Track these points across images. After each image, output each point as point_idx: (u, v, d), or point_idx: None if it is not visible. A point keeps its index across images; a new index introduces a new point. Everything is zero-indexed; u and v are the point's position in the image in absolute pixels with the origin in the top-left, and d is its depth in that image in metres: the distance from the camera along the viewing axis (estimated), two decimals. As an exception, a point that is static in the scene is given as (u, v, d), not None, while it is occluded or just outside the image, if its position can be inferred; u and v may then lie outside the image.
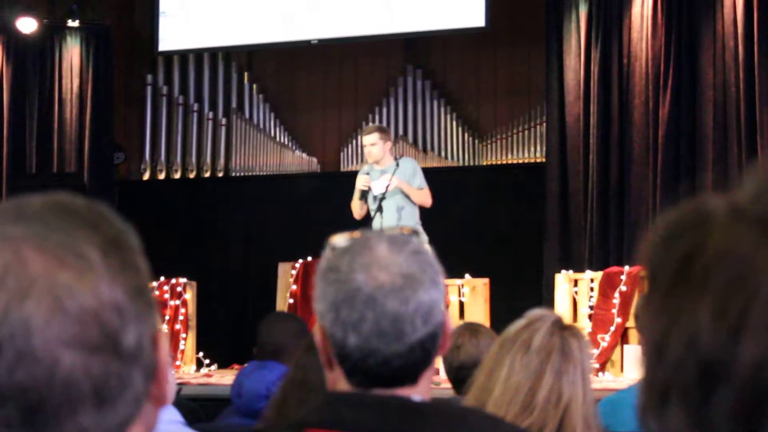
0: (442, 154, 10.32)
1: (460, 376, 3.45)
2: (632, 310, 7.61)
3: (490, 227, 8.79)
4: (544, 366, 2.16)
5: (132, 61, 11.21)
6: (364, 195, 7.37)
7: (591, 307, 8.07)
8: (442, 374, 3.97)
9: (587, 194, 8.86)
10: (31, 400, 0.77)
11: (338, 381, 1.50)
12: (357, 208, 7.43)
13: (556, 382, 2.15)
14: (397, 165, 7.35)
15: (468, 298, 8.17)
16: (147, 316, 0.83)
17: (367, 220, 7.32)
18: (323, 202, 9.95)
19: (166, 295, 8.99)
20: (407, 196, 7.32)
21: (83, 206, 0.84)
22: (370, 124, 7.75)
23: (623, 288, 7.90)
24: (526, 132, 10.10)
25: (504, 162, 10.12)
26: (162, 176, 11.10)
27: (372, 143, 7.37)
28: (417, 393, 1.49)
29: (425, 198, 7.38)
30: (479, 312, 8.06)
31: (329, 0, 9.87)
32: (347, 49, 10.42)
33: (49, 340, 0.77)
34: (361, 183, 7.32)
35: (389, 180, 7.26)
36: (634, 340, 7.76)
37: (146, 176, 11.13)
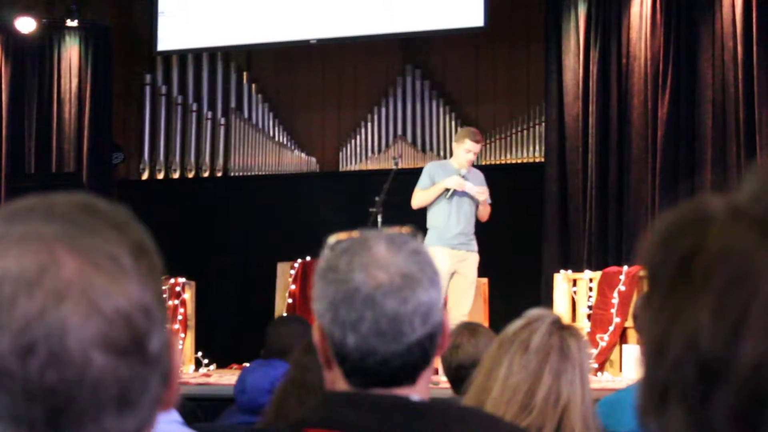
0: (441, 153, 10.32)
1: (458, 375, 3.45)
2: (631, 310, 7.61)
3: (489, 227, 8.77)
4: (543, 366, 2.16)
5: (131, 60, 11.20)
6: (447, 192, 7.34)
7: (590, 307, 8.08)
8: (441, 374, 3.97)
9: (586, 194, 8.86)
10: (58, 401, 0.77)
11: (337, 381, 1.50)
12: (428, 199, 7.38)
13: (555, 382, 2.15)
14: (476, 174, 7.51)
15: (467, 298, 8.16)
16: (165, 320, 0.84)
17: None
18: (322, 202, 9.96)
19: (165, 295, 8.98)
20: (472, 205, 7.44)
21: (110, 209, 0.84)
22: (466, 128, 7.73)
23: (622, 288, 7.90)
24: (525, 132, 10.10)
25: (503, 162, 10.12)
26: (161, 176, 11.10)
27: (476, 152, 7.42)
28: (416, 393, 1.49)
29: (488, 214, 7.51)
30: (478, 312, 8.06)
31: (328, 0, 9.86)
32: (346, 49, 10.42)
33: (84, 341, 0.77)
34: (456, 183, 7.29)
35: (484, 191, 7.38)
36: (633, 339, 7.76)
37: (145, 176, 11.13)
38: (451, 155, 10.27)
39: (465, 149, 7.36)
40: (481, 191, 7.37)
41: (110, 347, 0.78)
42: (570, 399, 2.15)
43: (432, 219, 7.38)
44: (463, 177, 7.34)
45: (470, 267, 7.37)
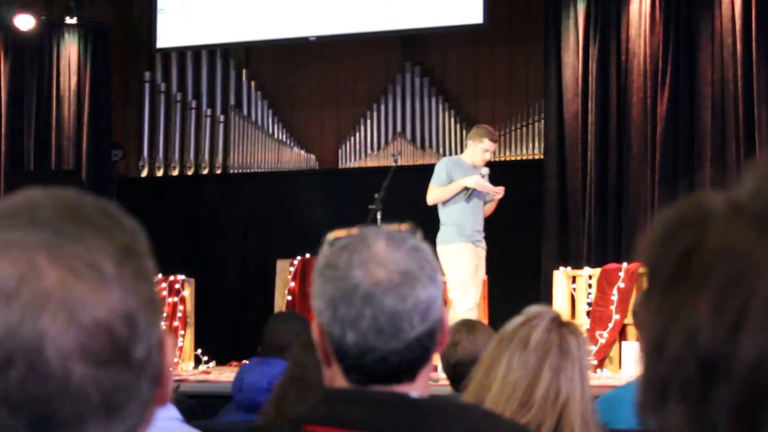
0: (440, 151, 10.31)
1: (457, 373, 3.46)
2: (630, 307, 7.61)
3: (488, 224, 8.77)
4: (542, 363, 2.16)
5: (130, 58, 11.20)
6: (466, 190, 7.33)
7: (589, 304, 8.08)
8: (440, 371, 3.98)
9: (585, 191, 8.86)
10: (41, 412, 0.76)
11: (336, 378, 1.50)
12: (445, 197, 7.35)
13: (554, 379, 2.15)
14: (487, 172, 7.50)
15: (466, 295, 8.16)
16: (156, 320, 0.82)
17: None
18: (321, 199, 9.96)
19: (164, 293, 8.99)
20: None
21: (95, 210, 0.83)
22: (483, 126, 7.68)
23: (621, 285, 7.91)
24: (524, 129, 10.10)
25: (502, 159, 10.11)
26: (160, 173, 11.10)
27: (492, 151, 7.47)
28: (415, 390, 1.49)
29: (492, 210, 7.55)
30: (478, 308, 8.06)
31: (327, -3, 9.87)
32: (345, 46, 10.41)
33: (63, 353, 0.76)
34: (477, 183, 7.28)
35: (500, 190, 7.39)
36: (633, 336, 7.76)
37: (144, 173, 11.12)
38: (452, 152, 10.29)
39: (483, 148, 7.36)
40: (499, 190, 7.38)
41: (91, 357, 0.77)
42: (569, 396, 2.15)
43: (448, 216, 7.34)
44: (483, 176, 7.34)
45: (483, 263, 7.45)
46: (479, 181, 7.31)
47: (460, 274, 7.20)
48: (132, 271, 0.81)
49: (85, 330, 0.77)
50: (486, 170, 7.40)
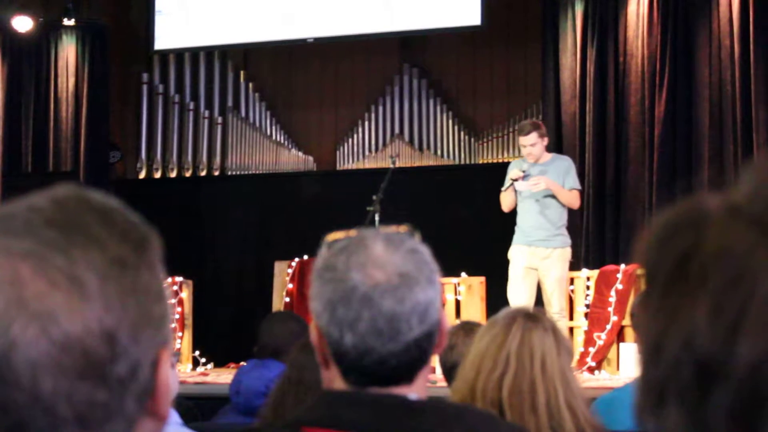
0: (438, 152, 10.32)
1: (453, 376, 3.46)
2: (628, 309, 7.61)
3: (486, 225, 8.77)
4: (511, 326, 2.26)
5: (128, 59, 11.19)
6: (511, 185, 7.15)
7: (587, 306, 8.07)
8: (438, 373, 3.98)
9: (583, 193, 8.83)
10: (11, 421, 0.76)
11: (334, 380, 1.50)
12: (504, 199, 7.22)
13: (525, 335, 2.23)
14: (550, 164, 7.17)
15: (464, 297, 8.17)
16: (151, 337, 0.81)
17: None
18: (319, 201, 9.95)
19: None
20: (554, 196, 7.09)
21: (97, 218, 0.81)
22: (525, 121, 7.44)
23: (619, 286, 7.90)
24: (523, 130, 10.09)
25: (500, 160, 10.11)
26: (158, 175, 11.09)
27: (532, 143, 7.06)
28: (413, 391, 1.49)
29: (573, 200, 7.17)
30: (475, 310, 8.06)
31: (325, -2, 9.87)
32: (343, 48, 10.41)
33: (31, 363, 0.75)
34: (513, 175, 7.09)
35: (537, 182, 7.00)
36: (631, 338, 7.75)
37: (142, 175, 11.12)
38: (448, 154, 10.31)
39: (521, 145, 7.19)
40: (532, 183, 7.00)
41: (61, 371, 0.76)
42: (545, 354, 2.20)
43: (516, 217, 7.25)
44: (524, 171, 7.07)
45: (553, 264, 7.09)
46: (515, 172, 7.12)
47: (510, 279, 7.13)
48: (120, 286, 0.79)
49: (56, 344, 0.76)
50: (526, 165, 7.13)
